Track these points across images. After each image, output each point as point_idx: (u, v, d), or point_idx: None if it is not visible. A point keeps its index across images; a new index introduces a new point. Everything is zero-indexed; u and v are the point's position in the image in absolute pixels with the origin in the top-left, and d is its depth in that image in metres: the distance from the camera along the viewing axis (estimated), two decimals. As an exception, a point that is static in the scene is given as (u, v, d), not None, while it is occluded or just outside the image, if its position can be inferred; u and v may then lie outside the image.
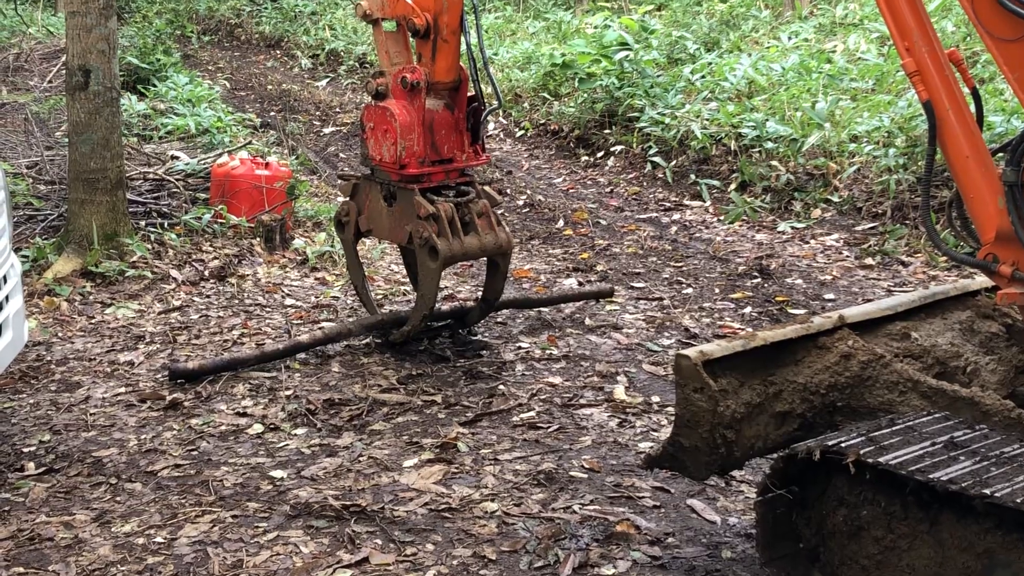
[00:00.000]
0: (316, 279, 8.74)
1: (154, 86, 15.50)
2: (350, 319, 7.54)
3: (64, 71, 8.80)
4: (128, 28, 19.25)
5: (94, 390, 6.46)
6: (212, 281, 8.49)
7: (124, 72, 14.55)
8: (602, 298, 8.10)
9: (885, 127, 10.35)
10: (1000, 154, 4.44)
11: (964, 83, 4.55)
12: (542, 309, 7.88)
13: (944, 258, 8.56)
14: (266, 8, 26.01)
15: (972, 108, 4.54)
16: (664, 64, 14.78)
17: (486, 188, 6.83)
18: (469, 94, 6.70)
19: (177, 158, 11.01)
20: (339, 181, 7.35)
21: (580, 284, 8.65)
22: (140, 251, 8.53)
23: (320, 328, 7.15)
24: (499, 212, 6.84)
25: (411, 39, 6.63)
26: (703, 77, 13.51)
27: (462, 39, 6.49)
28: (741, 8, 19.32)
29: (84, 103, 8.38)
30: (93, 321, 7.66)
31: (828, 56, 13.68)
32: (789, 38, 15.40)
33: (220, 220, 9.29)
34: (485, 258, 6.91)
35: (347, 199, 7.03)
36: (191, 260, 8.77)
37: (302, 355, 6.93)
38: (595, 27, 16.14)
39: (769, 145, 11.12)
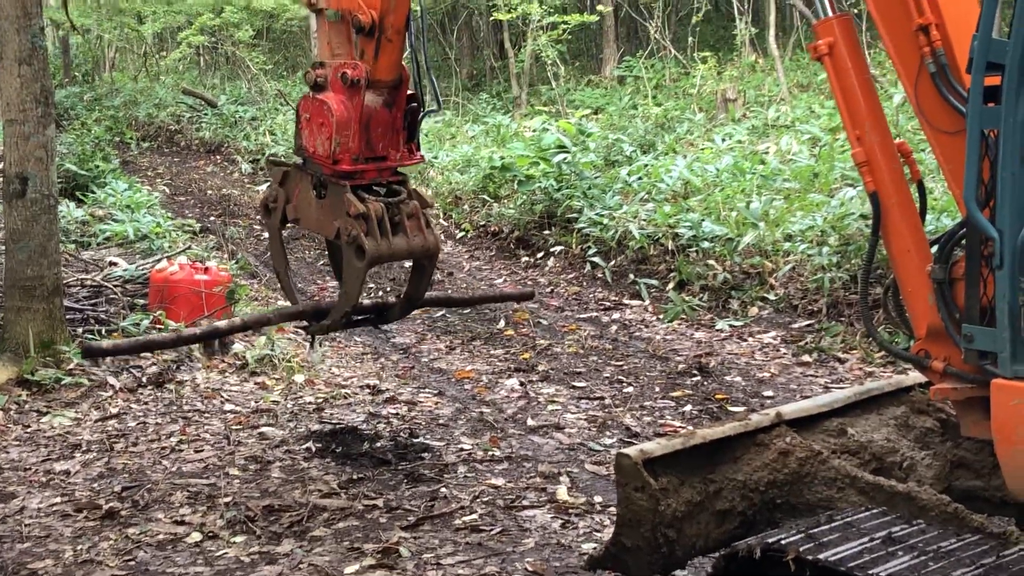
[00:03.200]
0: (256, 384, 8.69)
1: (93, 193, 15.46)
2: (270, 308, 7.41)
3: (1, 179, 8.76)
4: (67, 135, 19.24)
5: (29, 500, 6.35)
6: (150, 387, 8.42)
7: (62, 179, 14.51)
8: (523, 300, 8.02)
9: (818, 226, 10.55)
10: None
11: (911, 175, 4.66)
12: (484, 409, 7.88)
13: (880, 354, 8.68)
14: (206, 114, 26.13)
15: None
16: (601, 166, 14.99)
17: (417, 190, 6.79)
18: (408, 93, 6.67)
19: (115, 264, 10.96)
20: (270, 167, 7.21)
21: (522, 384, 8.67)
22: (77, 358, 8.45)
23: (241, 318, 7.02)
24: (429, 213, 6.78)
25: (354, 34, 6.56)
26: (640, 179, 13.71)
27: (406, 39, 6.47)
28: (676, 111, 19.69)
29: (21, 211, 8.35)
30: (29, 430, 7.55)
31: (761, 157, 13.95)
32: (723, 140, 15.70)
33: (159, 326, 9.23)
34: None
35: (276, 185, 6.93)
36: (129, 367, 8.69)
37: (241, 460, 6.86)
38: (533, 130, 16.38)
39: (706, 245, 11.27)
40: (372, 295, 7.17)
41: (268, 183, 7.26)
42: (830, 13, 4.69)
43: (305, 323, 7.12)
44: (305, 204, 6.74)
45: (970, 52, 4.20)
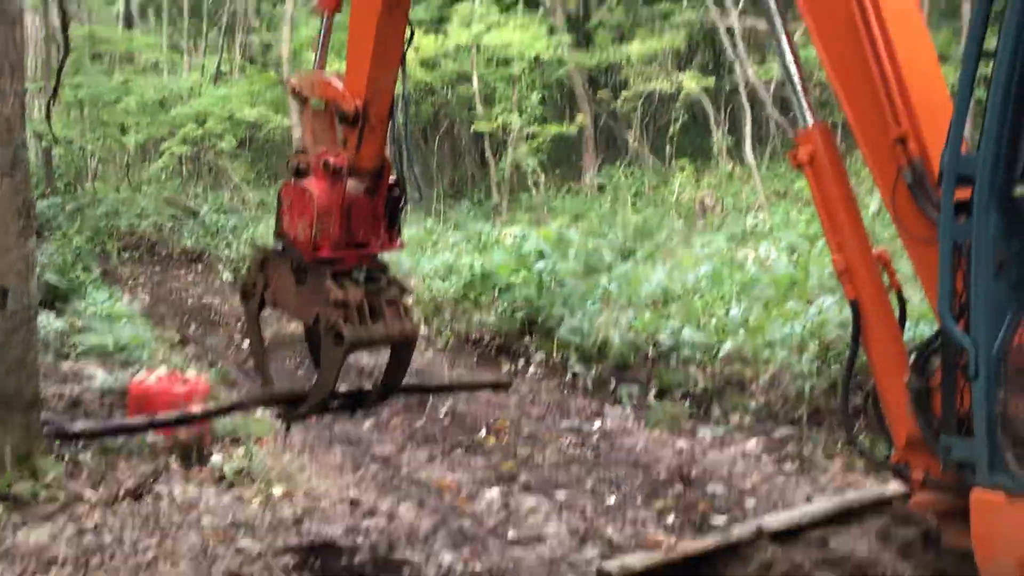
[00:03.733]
0: (234, 496, 8.58)
1: (73, 303, 15.42)
2: (244, 392, 7.35)
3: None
4: (48, 245, 19.25)
5: (1, 619, 6.24)
6: (127, 501, 8.31)
7: (43, 289, 14.48)
8: (500, 388, 7.98)
9: (798, 334, 10.59)
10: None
11: (890, 284, 4.70)
12: (463, 522, 7.81)
13: (861, 462, 8.66)
14: (187, 223, 26.23)
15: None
16: (582, 273, 15.06)
17: (397, 276, 6.77)
18: (390, 180, 6.67)
19: (94, 376, 10.89)
20: (251, 251, 7.19)
21: (503, 494, 8.60)
22: (54, 472, 8.34)
23: (215, 402, 6.96)
24: (408, 301, 6.75)
25: (337, 123, 6.57)
26: (619, 286, 13.78)
27: (389, 127, 6.49)
28: (655, 219, 19.87)
29: (0, 323, 8.32)
30: (4, 545, 7.43)
31: (740, 265, 14.06)
32: (702, 247, 15.83)
33: (137, 438, 9.15)
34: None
35: (256, 270, 6.88)
36: (106, 480, 8.58)
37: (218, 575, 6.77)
38: (514, 238, 16.49)
39: (686, 352, 11.30)
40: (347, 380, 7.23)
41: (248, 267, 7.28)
42: (811, 122, 4.78)
43: (281, 409, 7.07)
44: (284, 289, 6.72)
45: (940, 166, 4.28)
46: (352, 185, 6.47)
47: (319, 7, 7.06)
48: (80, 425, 6.29)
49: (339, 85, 6.52)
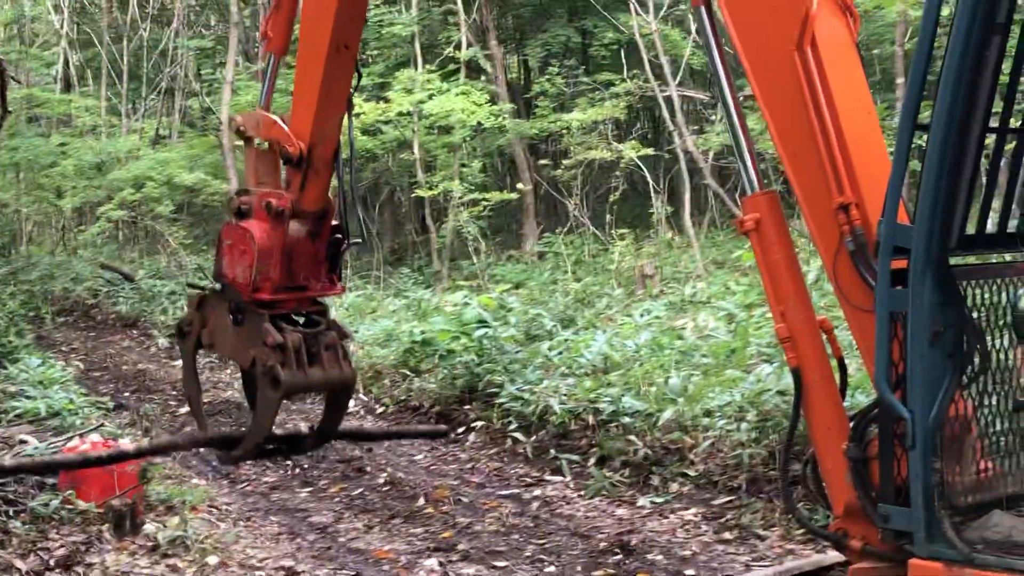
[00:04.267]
0: (167, 566, 8.43)
1: (5, 368, 15.18)
2: (179, 434, 7.22)
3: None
4: (-19, 309, 18.99)
5: None
6: (58, 571, 8.13)
7: (-26, 354, 14.28)
8: (436, 437, 7.90)
9: (737, 402, 10.62)
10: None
11: (831, 352, 4.73)
12: None
13: (800, 531, 8.66)
14: (123, 288, 25.98)
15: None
16: (523, 340, 15.06)
17: (336, 320, 6.67)
18: (333, 223, 6.59)
19: (25, 442, 10.69)
20: (188, 290, 7.11)
21: (441, 564, 8.52)
22: (-19, 541, 8.17)
23: (150, 439, 6.84)
24: (348, 346, 6.67)
25: (282, 164, 6.48)
26: (560, 353, 13.79)
27: (333, 171, 6.42)
28: (595, 286, 19.97)
29: (-70, 388, 8.17)
30: (-74, 618, 7.24)
31: (679, 333, 14.12)
32: (641, 315, 15.89)
33: (68, 506, 8.98)
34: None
35: (193, 309, 6.76)
36: (36, 549, 8.40)
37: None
38: (455, 305, 16.48)
39: (626, 420, 11.29)
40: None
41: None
42: (757, 189, 4.83)
43: (217, 452, 6.97)
44: (221, 330, 6.61)
45: (876, 235, 4.34)
46: (294, 227, 6.42)
47: (266, 49, 7.06)
48: (10, 460, 6.17)
49: (284, 127, 6.47)
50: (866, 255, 4.44)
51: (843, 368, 4.86)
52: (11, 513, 8.79)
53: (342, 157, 6.52)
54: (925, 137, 4.27)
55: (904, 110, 4.33)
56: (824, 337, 4.79)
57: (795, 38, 4.64)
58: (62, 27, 37.68)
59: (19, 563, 8.14)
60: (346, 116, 6.57)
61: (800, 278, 4.81)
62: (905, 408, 4.17)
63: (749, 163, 5.00)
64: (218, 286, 6.62)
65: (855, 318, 4.51)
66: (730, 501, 9.78)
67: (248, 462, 6.84)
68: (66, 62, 37.91)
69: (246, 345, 6.42)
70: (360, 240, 6.88)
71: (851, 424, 4.56)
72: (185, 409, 15.28)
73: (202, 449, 6.92)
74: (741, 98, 5.32)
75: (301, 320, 6.55)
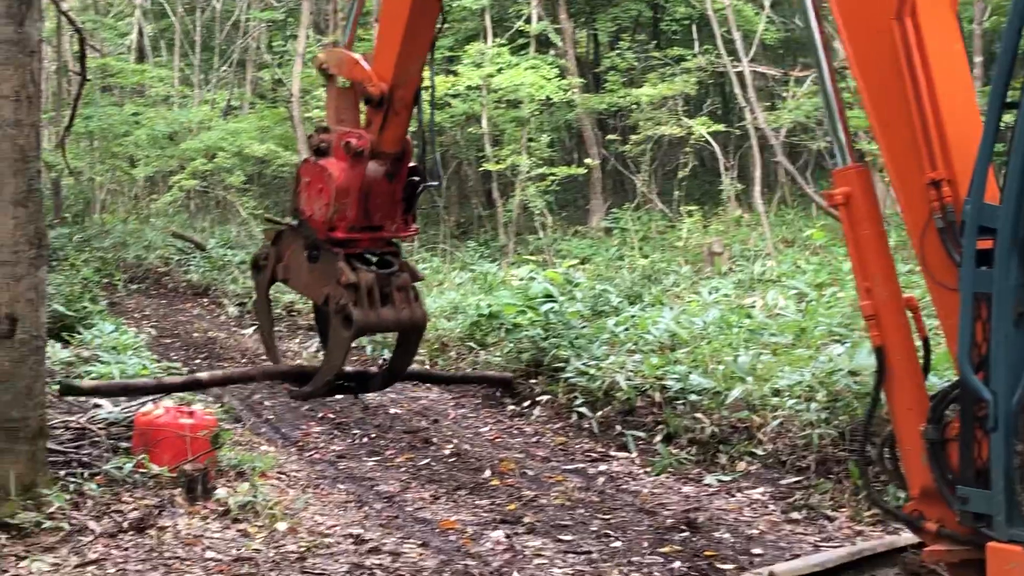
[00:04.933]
0: (238, 531, 8.54)
1: (79, 334, 15.42)
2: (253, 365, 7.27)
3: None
4: (56, 276, 19.27)
5: (2, 650, 6.19)
6: (131, 533, 8.26)
7: (50, 319, 14.46)
8: (502, 385, 7.89)
9: (806, 381, 10.54)
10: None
11: (917, 331, 4.66)
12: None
13: (870, 512, 8.60)
14: (194, 257, 26.27)
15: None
16: (588, 316, 15.04)
17: (408, 262, 6.68)
18: (411, 165, 6.58)
19: (100, 406, 10.85)
20: (264, 225, 7.13)
21: (507, 536, 8.56)
22: (58, 502, 8.31)
23: (223, 372, 6.89)
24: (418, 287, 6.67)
25: (362, 104, 6.47)
26: (627, 329, 13.75)
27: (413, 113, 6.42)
28: (662, 263, 19.88)
29: (9, 351, 8.29)
30: (6, 575, 7.38)
31: (748, 311, 14.03)
32: (709, 293, 15.82)
33: (142, 470, 9.12)
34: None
35: (269, 244, 6.80)
36: (110, 511, 8.55)
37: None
38: (521, 279, 16.49)
39: (693, 397, 11.25)
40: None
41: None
42: (850, 162, 4.75)
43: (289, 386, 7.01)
44: (296, 266, 6.64)
45: (962, 216, 4.27)
46: (372, 167, 6.38)
47: None
48: (89, 384, 6.26)
49: (366, 66, 6.44)
50: (955, 233, 4.36)
51: (927, 348, 4.79)
52: (86, 476, 8.94)
53: (422, 100, 6.47)
54: (1014, 115, 4.18)
55: (993, 88, 4.24)
56: (910, 316, 4.72)
57: (895, 7, 4.53)
58: (136, -3, 38.08)
59: (93, 524, 8.28)
60: (429, 59, 6.55)
61: (888, 255, 4.73)
62: (987, 389, 4.11)
63: (843, 135, 4.91)
64: (295, 222, 6.62)
65: (940, 296, 4.44)
66: (798, 481, 9.72)
67: (319, 399, 6.86)
68: (140, 32, 38.36)
69: (320, 282, 6.42)
70: (436, 182, 6.83)
71: (930, 405, 4.51)
72: (254, 377, 15.46)
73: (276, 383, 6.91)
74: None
75: (374, 260, 6.53)
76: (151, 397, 11.17)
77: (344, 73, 6.57)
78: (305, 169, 6.56)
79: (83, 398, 11.56)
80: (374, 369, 7.27)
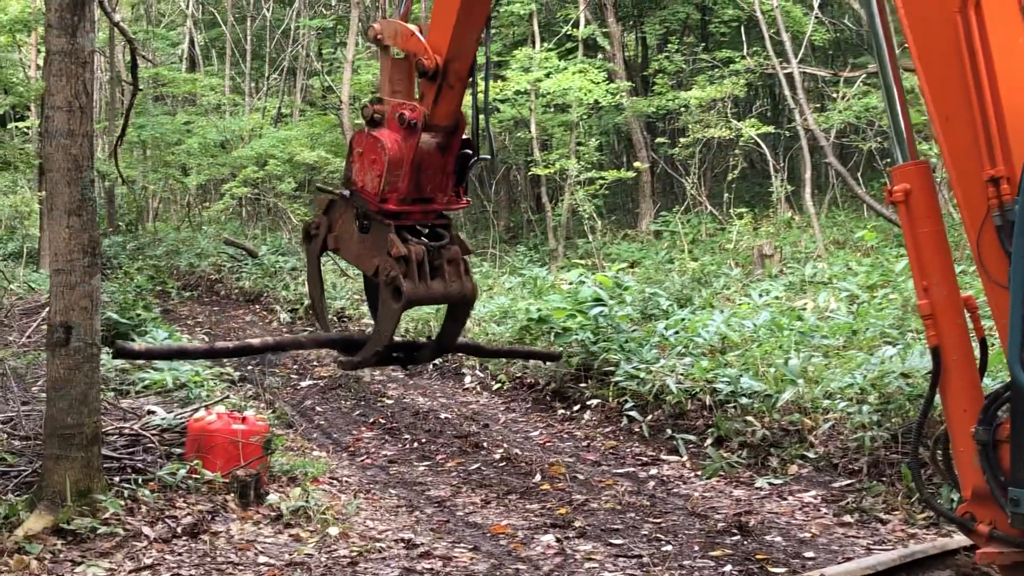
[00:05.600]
0: (290, 535, 8.62)
1: (133, 341, 15.60)
2: (304, 333, 7.29)
3: (44, 326, 8.85)
4: (110, 284, 19.53)
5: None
6: (185, 538, 8.35)
7: (104, 327, 14.62)
8: (550, 360, 7.79)
9: (858, 384, 10.47)
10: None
11: (974, 331, 4.60)
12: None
13: (923, 515, 8.52)
14: (246, 264, 26.49)
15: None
16: (638, 319, 15.02)
17: (459, 235, 6.67)
18: (463, 138, 6.58)
19: (153, 413, 10.98)
20: (317, 193, 7.08)
21: (558, 540, 8.56)
22: (113, 507, 8.41)
23: (273, 338, 6.88)
24: (469, 260, 6.66)
25: (416, 76, 6.47)
26: (677, 333, 13.71)
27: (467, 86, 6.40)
28: (712, 266, 19.80)
29: (64, 359, 8.42)
30: (61, 580, 7.49)
31: (799, 313, 13.95)
32: (760, 295, 15.74)
33: (195, 475, 9.21)
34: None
35: (320, 213, 6.82)
36: (164, 516, 8.64)
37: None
38: (570, 283, 16.47)
39: (744, 400, 11.20)
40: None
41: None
42: (910, 159, 4.69)
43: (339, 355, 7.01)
44: (347, 236, 6.63)
45: (1011, 215, 4.23)
46: (425, 139, 6.36)
47: None
48: (142, 345, 6.30)
49: (421, 38, 6.44)
50: (1011, 231, 4.29)
51: (984, 349, 4.72)
52: (140, 481, 9.05)
53: (477, 74, 6.46)
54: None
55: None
56: (968, 316, 4.66)
57: None
58: (188, 7, 38.49)
59: (147, 530, 8.38)
60: (484, 34, 6.53)
61: (947, 254, 4.66)
62: (1039, 390, 4.07)
63: (903, 130, 4.84)
64: (346, 192, 6.62)
65: (995, 295, 4.38)
66: (850, 484, 9.64)
67: (369, 369, 6.81)
68: (191, 42, 38.80)
69: (370, 253, 6.41)
70: (489, 157, 6.80)
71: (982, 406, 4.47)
72: (306, 383, 15.58)
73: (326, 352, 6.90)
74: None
75: (425, 231, 6.53)
76: (205, 403, 11.31)
77: (399, 44, 6.54)
78: (358, 139, 6.54)
79: (137, 403, 11.71)
80: (423, 340, 7.23)
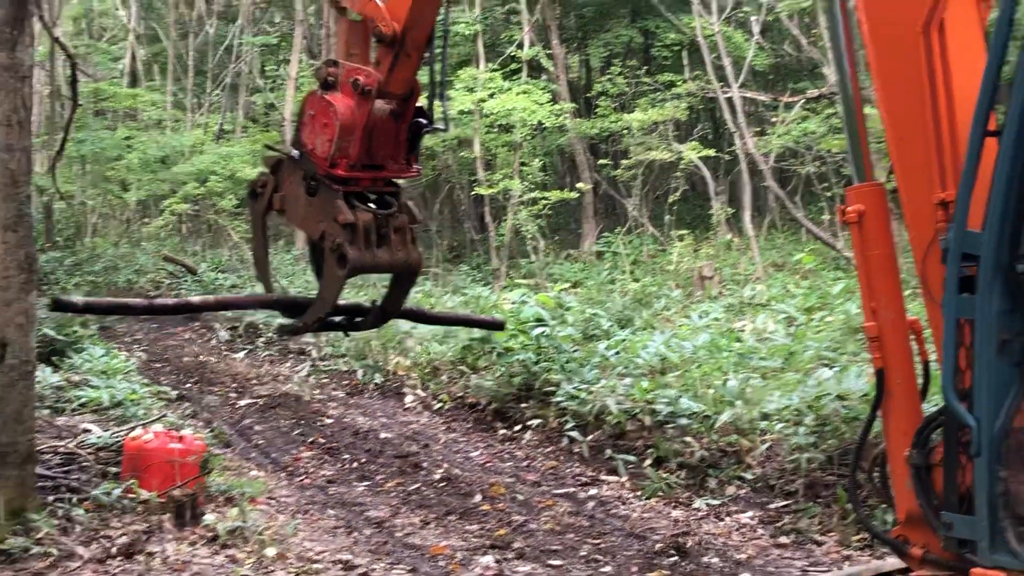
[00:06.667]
0: (227, 556, 8.53)
1: (69, 358, 15.40)
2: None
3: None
4: (46, 300, 19.24)
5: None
6: (120, 559, 8.24)
7: (40, 343, 14.44)
8: (493, 328, 7.76)
9: (795, 406, 10.56)
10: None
11: (919, 354, 4.65)
12: None
13: (857, 536, 8.61)
14: (185, 281, 26.26)
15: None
16: (580, 340, 15.06)
17: (408, 203, 6.64)
18: (417, 106, 6.55)
19: (89, 431, 10.85)
20: (265, 152, 6.95)
21: (497, 562, 8.55)
22: (47, 527, 8.29)
23: (215, 297, 6.76)
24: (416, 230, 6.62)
25: (373, 41, 6.43)
26: (617, 353, 13.77)
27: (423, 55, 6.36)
28: (653, 287, 19.92)
29: (-2, 376, 8.30)
30: (-8, 601, 7.37)
31: (737, 335, 14.06)
32: (700, 317, 15.85)
33: (131, 495, 9.10)
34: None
35: (268, 171, 6.75)
36: (99, 536, 8.53)
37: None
38: (513, 303, 16.49)
39: (683, 421, 11.27)
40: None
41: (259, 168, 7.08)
42: (866, 180, 4.72)
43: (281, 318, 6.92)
44: (293, 198, 6.55)
45: (944, 243, 4.29)
46: (378, 106, 6.31)
47: None
48: (82, 300, 6.15)
49: (380, 4, 6.40)
50: (947, 257, 4.35)
51: (927, 373, 4.77)
52: (74, 501, 8.92)
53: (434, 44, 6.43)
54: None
55: (976, 116, 4.25)
56: (913, 339, 4.70)
57: (923, 18, 4.48)
58: (130, 22, 38.19)
59: (81, 550, 8.26)
60: (444, 5, 6.52)
61: (896, 277, 4.69)
62: (971, 416, 4.12)
63: (861, 151, 4.86)
64: (295, 153, 6.55)
65: (938, 317, 4.43)
66: (787, 505, 9.73)
67: (311, 334, 6.69)
68: (133, 57, 38.46)
69: (317, 217, 6.34)
70: (443, 128, 6.76)
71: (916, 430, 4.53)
72: (245, 401, 15.46)
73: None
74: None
75: (374, 199, 6.48)
76: (142, 421, 11.19)
77: (357, 7, 6.49)
78: (311, 102, 6.47)
79: (72, 422, 11.56)
80: (367, 305, 7.16)
